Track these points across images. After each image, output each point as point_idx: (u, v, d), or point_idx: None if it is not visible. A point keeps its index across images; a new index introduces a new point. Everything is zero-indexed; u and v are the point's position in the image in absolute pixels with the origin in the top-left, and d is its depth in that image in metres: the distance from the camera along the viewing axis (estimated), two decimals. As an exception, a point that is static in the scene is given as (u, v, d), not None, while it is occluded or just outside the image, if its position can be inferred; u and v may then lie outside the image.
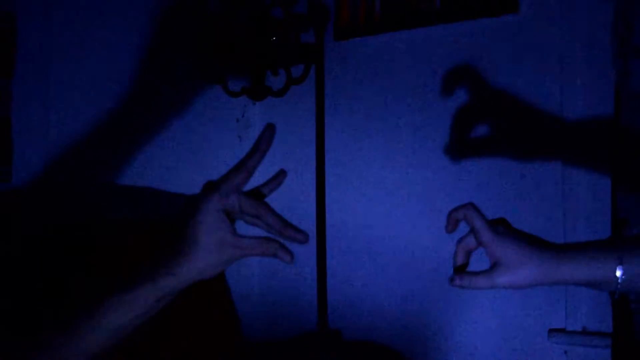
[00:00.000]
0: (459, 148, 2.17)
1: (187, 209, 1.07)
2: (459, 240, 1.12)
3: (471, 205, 1.10)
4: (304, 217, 2.38)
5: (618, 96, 1.88)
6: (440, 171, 2.19)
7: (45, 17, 2.03)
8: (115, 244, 1.93)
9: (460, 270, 1.10)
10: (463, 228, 1.14)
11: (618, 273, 1.04)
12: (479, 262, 1.12)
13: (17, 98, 1.98)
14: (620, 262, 1.04)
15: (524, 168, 2.09)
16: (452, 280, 1.09)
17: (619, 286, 1.05)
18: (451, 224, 1.12)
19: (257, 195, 1.10)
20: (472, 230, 1.09)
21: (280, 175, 1.13)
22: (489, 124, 2.14)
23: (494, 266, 1.07)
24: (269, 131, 1.08)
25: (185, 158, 2.36)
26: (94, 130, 2.14)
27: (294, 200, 2.38)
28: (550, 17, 2.04)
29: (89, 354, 1.11)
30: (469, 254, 1.12)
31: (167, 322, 1.68)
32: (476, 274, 1.08)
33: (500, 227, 1.09)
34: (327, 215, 2.28)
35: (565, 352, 1.99)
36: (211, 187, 1.06)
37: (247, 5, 2.28)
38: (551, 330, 2.01)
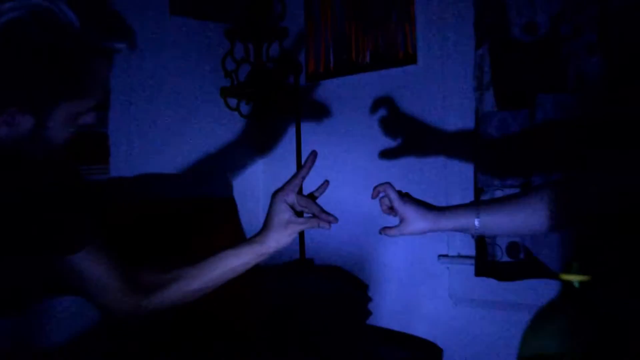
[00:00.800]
0: (385, 149, 2.17)
1: (269, 205, 1.12)
2: (380, 200, 1.15)
3: (388, 184, 1.14)
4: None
5: (477, 115, 1.92)
6: (375, 164, 2.19)
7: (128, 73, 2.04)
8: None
9: (384, 228, 1.13)
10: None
11: (476, 223, 1.09)
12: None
13: (112, 120, 2.02)
14: (477, 216, 1.09)
15: (421, 160, 2.12)
16: (380, 232, 1.14)
17: (477, 231, 1.11)
18: (374, 194, 1.15)
19: (311, 196, 1.13)
20: (389, 199, 1.13)
21: (325, 184, 1.14)
22: (401, 135, 2.16)
23: (401, 222, 1.12)
24: (313, 155, 1.12)
25: (216, 157, 2.32)
26: (157, 141, 2.13)
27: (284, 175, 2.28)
28: (436, 67, 2.07)
29: (208, 286, 1.13)
30: (388, 208, 1.14)
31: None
32: (391, 228, 1.13)
33: (406, 197, 1.13)
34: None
35: (448, 268, 2.07)
36: (279, 188, 1.12)
37: (251, 62, 2.31)
38: (439, 256, 2.09)
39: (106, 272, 1.07)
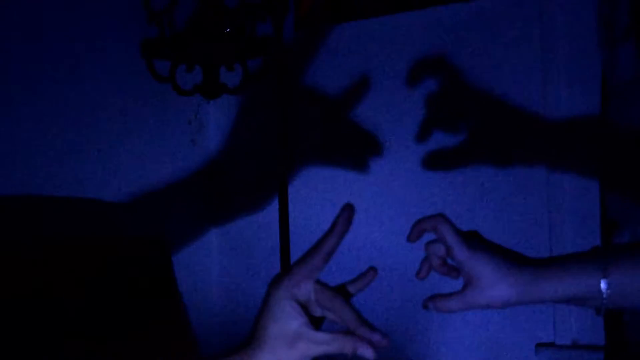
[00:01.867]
0: (431, 149, 2.07)
1: (263, 301, 1.03)
2: (427, 245, 1.06)
3: (441, 217, 1.03)
4: (268, 225, 2.27)
5: (605, 88, 1.69)
6: (411, 174, 2.10)
7: None
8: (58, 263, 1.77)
9: (434, 296, 1.04)
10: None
11: (602, 287, 0.98)
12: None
13: None
14: (605, 275, 0.99)
15: (501, 171, 2.00)
16: (425, 306, 1.03)
17: (604, 301, 0.99)
18: (415, 235, 1.04)
19: (342, 290, 1.03)
20: (445, 246, 1.02)
21: (370, 274, 1.04)
22: (464, 124, 2.04)
23: (468, 286, 1.00)
24: (348, 212, 1.00)
25: (130, 166, 2.23)
26: (27, 137, 2.01)
27: (254, 221, 2.33)
28: (528, 3, 1.92)
29: None
30: (441, 262, 1.05)
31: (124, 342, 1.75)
32: (449, 296, 1.01)
33: (475, 241, 1.02)
34: (291, 223, 2.17)
35: None
36: (284, 273, 1.01)
37: None
38: (539, 345, 1.92)
39: None
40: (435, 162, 2.07)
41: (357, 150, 2.19)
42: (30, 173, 2.05)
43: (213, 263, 2.40)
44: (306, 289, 0.98)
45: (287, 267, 1.08)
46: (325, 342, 0.98)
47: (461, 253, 1.00)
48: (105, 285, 1.86)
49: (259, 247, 2.33)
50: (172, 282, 2.00)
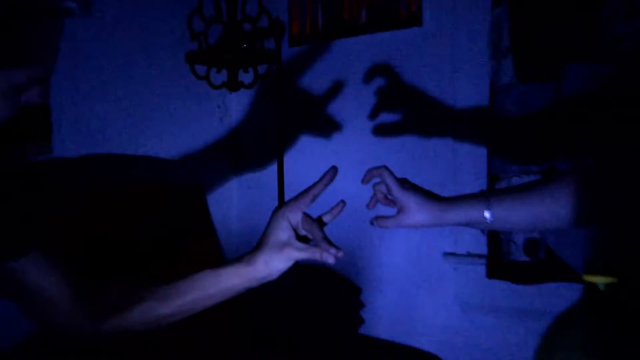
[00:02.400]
0: (383, 129, 2.11)
1: (269, 221, 1.05)
2: (375, 186, 1.11)
3: (385, 168, 1.08)
4: (269, 178, 2.34)
5: (492, 88, 1.87)
6: (370, 147, 2.14)
7: (72, 38, 1.90)
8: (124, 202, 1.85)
9: (378, 217, 1.08)
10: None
11: (487, 215, 1.05)
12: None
13: (54, 91, 1.89)
14: (488, 207, 1.05)
15: (425, 142, 2.05)
16: (372, 222, 1.08)
17: (487, 225, 1.06)
18: (367, 178, 1.10)
19: (319, 220, 1.05)
20: (386, 186, 1.08)
21: (340, 206, 1.07)
22: (402, 112, 2.09)
23: (399, 212, 1.07)
24: (332, 171, 1.06)
25: (179, 136, 2.28)
26: (110, 116, 2.06)
27: (261, 168, 2.38)
28: (444, 29, 2.00)
29: (178, 313, 1.05)
30: (384, 196, 1.10)
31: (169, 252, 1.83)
32: (387, 218, 1.08)
33: (406, 184, 1.08)
34: (285, 179, 2.25)
35: (455, 269, 2.01)
36: (283, 204, 1.04)
37: (225, 21, 2.21)
38: (445, 254, 2.03)
39: (55, 285, 1.00)
40: (381, 135, 2.11)
41: (331, 129, 2.23)
42: (116, 142, 2.07)
43: (233, 199, 2.45)
44: (296, 216, 1.03)
45: (283, 202, 1.08)
46: (303, 249, 1.01)
47: (396, 189, 1.07)
48: (163, 217, 1.94)
49: (264, 190, 2.36)
50: (207, 214, 2.11)
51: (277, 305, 1.98)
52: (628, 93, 1.66)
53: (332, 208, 1.07)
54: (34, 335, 1.35)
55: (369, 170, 1.09)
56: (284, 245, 1.02)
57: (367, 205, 1.10)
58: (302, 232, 1.04)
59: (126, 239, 1.75)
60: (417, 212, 1.06)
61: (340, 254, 0.98)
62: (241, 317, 1.89)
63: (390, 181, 1.08)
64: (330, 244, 0.99)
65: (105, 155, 2.04)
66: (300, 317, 1.98)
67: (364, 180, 1.09)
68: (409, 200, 1.06)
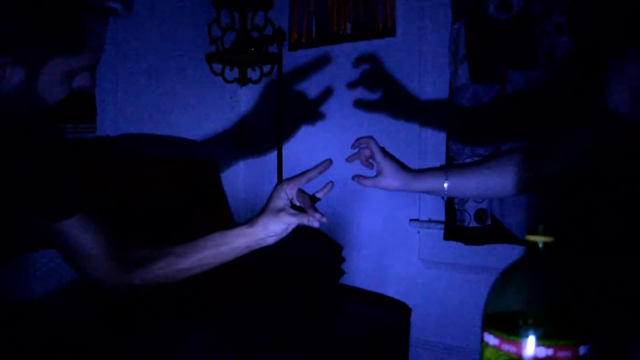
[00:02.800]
0: (362, 116, 2.12)
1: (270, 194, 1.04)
2: (360, 151, 1.08)
3: (371, 137, 1.09)
4: (269, 160, 2.34)
5: (451, 87, 1.89)
6: (352, 130, 2.11)
7: (115, 35, 1.98)
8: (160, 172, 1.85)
9: (359, 175, 1.07)
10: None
11: (445, 185, 1.05)
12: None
13: (99, 79, 1.93)
14: (446, 178, 1.06)
15: (397, 128, 2.07)
16: (353, 177, 1.06)
17: (446, 193, 1.06)
18: (356, 144, 1.09)
19: (312, 198, 1.03)
20: (370, 152, 1.07)
21: (329, 186, 1.05)
22: (378, 103, 2.10)
23: (378, 175, 1.06)
24: (327, 162, 1.03)
25: (199, 121, 2.30)
26: (144, 102, 2.09)
27: (264, 150, 2.39)
28: (414, 40, 2.03)
29: (195, 267, 1.04)
30: (366, 159, 1.08)
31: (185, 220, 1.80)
32: (367, 178, 1.07)
33: (387, 153, 1.08)
34: (283, 161, 2.22)
35: (419, 232, 2.04)
36: (282, 181, 1.03)
37: (237, 29, 2.27)
38: (411, 220, 2.06)
39: (93, 242, 1.00)
40: (362, 123, 2.11)
41: (322, 119, 2.25)
42: (149, 124, 2.10)
43: (240, 176, 2.47)
44: (292, 190, 1.01)
45: (282, 179, 1.07)
46: (295, 215, 0.98)
47: (379, 155, 1.06)
48: (186, 186, 1.93)
49: (265, 169, 2.37)
50: (219, 186, 2.11)
51: (272, 258, 1.96)
52: (556, 90, 1.71)
53: (323, 187, 1.06)
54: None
55: (359, 139, 1.08)
56: (280, 210, 1.00)
57: (346, 159, 1.09)
58: (297, 203, 1.03)
59: (155, 204, 1.75)
60: (392, 176, 1.05)
61: (323, 219, 0.97)
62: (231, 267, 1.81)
63: (375, 148, 1.07)
64: (316, 211, 0.98)
65: (140, 134, 2.07)
66: (291, 269, 1.95)
67: (354, 145, 1.08)
68: (387, 166, 1.05)
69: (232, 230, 1.01)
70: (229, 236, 1.01)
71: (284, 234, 1.00)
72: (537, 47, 1.74)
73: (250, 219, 1.01)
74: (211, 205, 1.98)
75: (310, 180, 1.01)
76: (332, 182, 1.04)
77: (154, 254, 1.02)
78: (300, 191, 1.01)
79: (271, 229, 0.99)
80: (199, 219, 1.88)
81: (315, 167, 1.02)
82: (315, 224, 0.97)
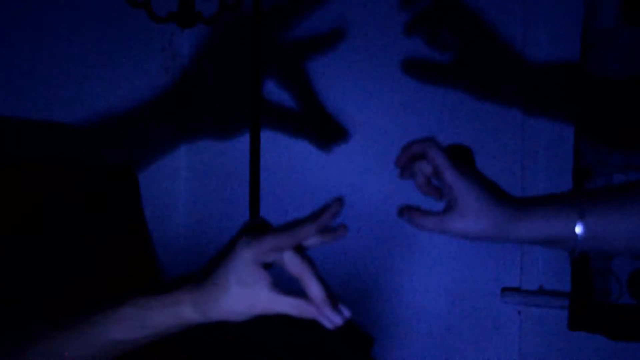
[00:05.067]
0: (411, 99, 2.03)
1: (227, 247, 0.97)
2: (416, 162, 1.00)
3: (431, 141, 0.98)
4: (236, 160, 2.23)
5: (585, 36, 1.76)
6: (392, 125, 2.04)
7: None
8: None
9: (411, 208, 0.99)
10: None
11: (578, 230, 0.95)
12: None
13: None
14: (581, 217, 0.95)
15: (482, 113, 1.97)
16: (400, 213, 0.98)
17: (578, 244, 0.96)
18: (402, 161, 1.00)
19: (304, 250, 0.99)
20: (431, 164, 0.99)
21: (341, 229, 0.96)
22: (440, 66, 2.00)
23: (449, 209, 0.97)
24: (337, 206, 0.93)
25: (102, 91, 2.18)
26: (14, 69, 1.97)
27: (227, 145, 2.30)
28: None
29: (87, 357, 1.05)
30: (426, 181, 1.01)
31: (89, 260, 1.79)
32: (427, 213, 0.98)
33: (465, 167, 0.99)
34: (263, 163, 2.10)
35: (519, 312, 1.92)
36: (255, 236, 0.95)
37: None
38: (504, 289, 1.95)
39: None
40: (404, 104, 2.03)
41: (329, 94, 2.13)
42: (10, 103, 2.01)
43: (180, 187, 2.43)
44: (275, 257, 0.95)
45: (251, 225, 0.98)
46: (284, 306, 0.95)
47: (450, 174, 0.97)
48: (75, 210, 1.88)
49: (227, 176, 2.30)
50: (136, 207, 2.04)
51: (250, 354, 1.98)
52: None
53: (332, 231, 0.98)
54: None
55: (408, 146, 1.00)
56: (252, 298, 0.96)
57: (400, 176, 1.05)
58: (291, 271, 0.96)
59: (23, 237, 1.73)
60: (476, 214, 0.97)
61: (347, 317, 0.93)
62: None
63: (440, 159, 0.98)
64: (334, 306, 0.93)
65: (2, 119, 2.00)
66: None
67: (398, 162, 1.01)
68: (467, 192, 0.97)
69: (154, 297, 1.00)
70: (153, 307, 1.00)
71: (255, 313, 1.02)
72: None
73: (192, 292, 0.98)
74: (120, 240, 1.95)
75: (301, 240, 0.95)
76: (345, 226, 0.98)
77: (20, 334, 1.04)
78: (294, 254, 0.95)
79: (231, 308, 0.97)
80: (99, 262, 1.83)
81: (315, 216, 0.94)
82: (330, 327, 0.94)
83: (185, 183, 2.44)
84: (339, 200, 0.94)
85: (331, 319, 0.92)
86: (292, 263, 0.94)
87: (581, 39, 1.78)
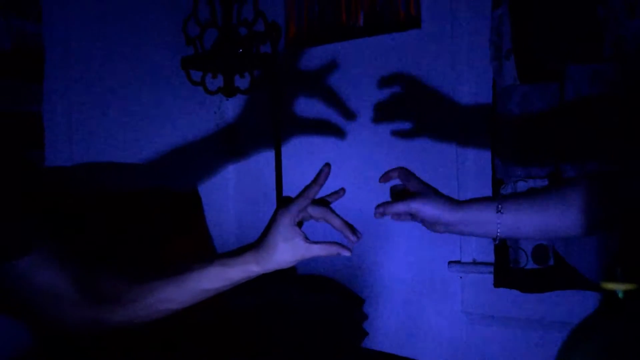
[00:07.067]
0: (383, 133, 2.19)
1: (271, 220, 1.14)
2: (391, 188, 1.19)
3: (404, 168, 1.19)
4: (268, 187, 2.44)
5: (495, 90, 1.97)
6: (370, 151, 2.21)
7: (65, 45, 2.05)
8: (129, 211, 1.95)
9: (383, 204, 1.15)
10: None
11: (497, 221, 1.10)
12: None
13: (47, 96, 1.99)
14: (499, 213, 1.10)
15: (426, 146, 2.14)
16: (377, 208, 1.15)
17: (499, 233, 1.11)
18: (385, 178, 1.18)
19: (324, 202, 1.16)
20: (406, 183, 1.16)
21: (340, 191, 1.18)
22: (402, 115, 2.17)
23: (411, 196, 1.14)
24: (327, 169, 1.14)
25: (175, 142, 2.38)
26: (106, 124, 2.17)
27: (258, 171, 2.50)
28: (444, 31, 2.12)
29: (184, 305, 1.17)
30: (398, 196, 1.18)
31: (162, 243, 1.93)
32: (396, 202, 1.14)
33: (418, 182, 1.18)
34: (284, 187, 2.37)
35: (461, 277, 2.11)
36: (286, 206, 1.13)
37: (220, 26, 2.32)
38: (450, 262, 2.12)
39: (58, 279, 1.11)
40: (380, 140, 2.19)
41: (329, 134, 2.32)
42: (113, 150, 2.17)
43: (230, 207, 2.56)
44: (302, 216, 1.14)
45: (281, 201, 1.15)
46: (315, 249, 1.11)
47: (418, 184, 1.16)
48: (158, 224, 2.00)
49: (262, 196, 2.46)
50: (202, 221, 2.18)
51: (273, 316, 2.03)
52: (632, 93, 1.74)
53: (334, 192, 1.18)
54: (33, 350, 1.42)
55: (390, 171, 1.19)
56: (293, 248, 1.12)
57: (380, 180, 1.19)
58: (314, 218, 1.16)
59: (122, 244, 1.85)
60: (429, 198, 1.13)
61: (358, 238, 1.12)
62: (233, 329, 1.95)
63: (410, 177, 1.18)
64: (352, 229, 1.12)
65: (99, 164, 2.13)
66: (298, 330, 2.00)
67: (382, 179, 1.18)
68: (426, 190, 1.14)
69: (231, 266, 1.13)
70: (227, 273, 1.13)
71: (294, 263, 1.12)
72: (603, 32, 1.80)
73: (252, 252, 1.13)
74: (192, 246, 2.08)
75: (310, 199, 1.12)
76: (343, 189, 1.15)
77: (135, 290, 1.14)
78: (315, 204, 1.13)
79: (286, 264, 1.12)
80: (179, 256, 1.98)
81: (314, 180, 1.12)
82: (346, 254, 1.09)
83: (234, 197, 2.57)
84: (327, 165, 1.13)
85: (350, 237, 1.10)
86: (317, 212, 1.13)
87: (492, 91, 1.97)
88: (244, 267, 1.14)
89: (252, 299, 2.02)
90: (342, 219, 1.13)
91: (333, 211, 1.14)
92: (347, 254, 1.10)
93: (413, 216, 1.16)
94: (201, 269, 1.15)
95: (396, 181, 1.20)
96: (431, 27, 2.15)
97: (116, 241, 1.84)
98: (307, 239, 1.13)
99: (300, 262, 1.14)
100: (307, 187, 1.13)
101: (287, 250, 1.12)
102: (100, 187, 2.01)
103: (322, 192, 1.18)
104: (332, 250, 1.11)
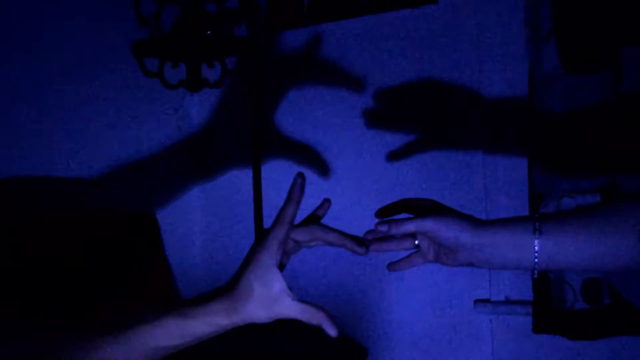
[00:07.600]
0: (391, 138, 2.19)
1: (246, 258, 1.10)
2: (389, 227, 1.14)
3: (407, 199, 1.17)
4: (243, 209, 2.41)
5: (531, 81, 1.95)
6: (375, 162, 2.21)
7: None
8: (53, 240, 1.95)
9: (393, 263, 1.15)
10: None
11: (536, 247, 1.07)
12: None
13: None
14: (537, 237, 1.07)
15: (445, 154, 2.13)
16: (378, 224, 1.12)
17: (537, 263, 1.07)
18: (381, 223, 1.14)
19: (313, 218, 1.14)
20: (415, 203, 1.15)
21: (325, 202, 1.16)
22: (415, 115, 2.17)
23: (423, 214, 1.11)
24: (300, 180, 1.10)
25: (125, 148, 2.37)
26: (35, 126, 2.14)
27: (232, 189, 2.49)
28: (467, 7, 2.09)
29: None
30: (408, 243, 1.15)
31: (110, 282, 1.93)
32: (405, 219, 1.11)
33: (429, 202, 1.16)
34: (265, 211, 2.32)
35: (491, 320, 2.07)
36: (263, 243, 1.09)
37: (181, 2, 2.29)
38: (477, 301, 2.09)
39: None
40: (386, 143, 2.19)
41: (322, 138, 2.32)
42: (45, 160, 2.15)
43: (195, 227, 2.56)
44: (285, 247, 1.10)
45: (260, 232, 1.20)
46: (297, 311, 1.07)
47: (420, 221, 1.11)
48: (103, 253, 2.01)
49: (236, 215, 2.46)
50: (159, 248, 2.20)
51: None
52: None
53: (319, 207, 1.15)
54: None
55: (383, 208, 1.17)
56: (273, 300, 1.08)
57: (376, 225, 1.14)
58: (298, 250, 1.14)
59: (54, 283, 1.83)
60: (448, 220, 1.10)
61: (365, 252, 1.10)
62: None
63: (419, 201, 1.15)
64: (356, 240, 1.09)
65: (30, 178, 2.11)
66: None
67: (380, 221, 1.14)
68: (443, 208, 1.12)
69: (193, 309, 1.09)
70: (192, 317, 1.10)
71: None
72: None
73: (223, 299, 1.08)
74: (145, 277, 2.09)
75: (292, 223, 1.08)
76: (328, 199, 1.15)
77: (65, 347, 1.11)
78: (299, 226, 1.11)
79: (254, 311, 1.07)
80: (132, 289, 2.02)
81: (288, 198, 1.08)
82: (333, 333, 1.07)
83: (200, 224, 2.58)
84: (300, 175, 1.08)
85: (357, 250, 1.09)
86: (304, 235, 1.11)
87: (528, 82, 1.95)
88: (210, 318, 1.09)
89: (231, 347, 1.98)
90: (338, 231, 1.10)
91: (325, 226, 1.12)
92: (333, 333, 1.07)
93: (421, 247, 1.14)
94: (153, 322, 1.10)
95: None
96: (451, 2, 2.13)
97: (46, 280, 1.83)
98: (289, 290, 1.08)
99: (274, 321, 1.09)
100: (281, 211, 1.08)
101: (262, 300, 1.08)
102: (30, 207, 2.02)
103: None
104: (319, 319, 1.05)
